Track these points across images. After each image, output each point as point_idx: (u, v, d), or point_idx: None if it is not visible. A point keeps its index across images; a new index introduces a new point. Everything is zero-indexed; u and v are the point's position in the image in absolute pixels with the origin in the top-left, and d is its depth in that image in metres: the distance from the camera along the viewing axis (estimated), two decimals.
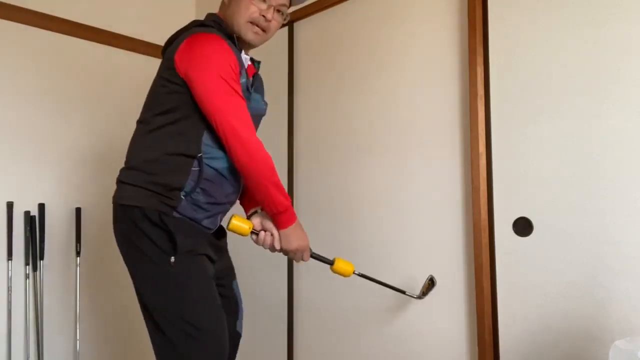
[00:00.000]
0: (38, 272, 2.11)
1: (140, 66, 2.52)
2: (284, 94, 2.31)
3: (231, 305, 1.52)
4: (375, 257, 1.93)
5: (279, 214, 1.37)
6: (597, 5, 1.43)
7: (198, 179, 1.32)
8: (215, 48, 1.31)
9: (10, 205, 2.06)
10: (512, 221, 1.56)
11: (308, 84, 2.25)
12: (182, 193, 1.32)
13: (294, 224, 1.40)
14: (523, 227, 1.54)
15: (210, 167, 1.34)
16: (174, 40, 1.39)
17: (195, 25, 1.40)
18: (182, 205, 1.33)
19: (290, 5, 1.48)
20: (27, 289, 2.08)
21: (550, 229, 1.49)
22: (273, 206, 1.36)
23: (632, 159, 1.35)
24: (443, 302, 1.73)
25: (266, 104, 1.55)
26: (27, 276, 2.08)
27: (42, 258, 2.12)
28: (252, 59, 1.50)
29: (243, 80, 1.36)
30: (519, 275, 1.54)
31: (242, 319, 1.57)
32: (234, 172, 1.38)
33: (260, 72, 1.55)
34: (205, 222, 1.40)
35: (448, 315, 1.71)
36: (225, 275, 1.53)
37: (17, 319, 2.05)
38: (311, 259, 1.49)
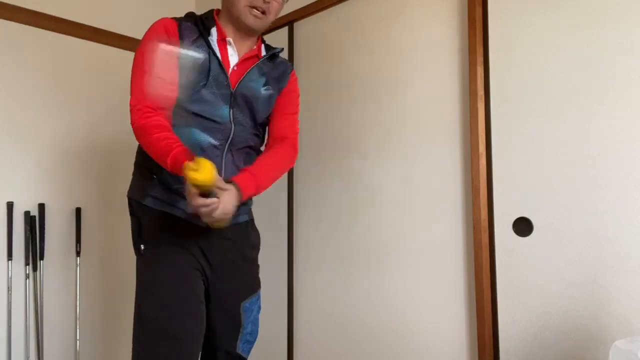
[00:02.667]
0: (38, 272, 2.11)
1: None
2: None
3: (232, 324, 1.48)
4: (375, 258, 1.93)
5: (171, 165, 1.22)
6: (597, 5, 1.43)
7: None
8: (147, 31, 1.37)
9: (10, 205, 2.06)
10: (512, 221, 1.56)
11: (308, 84, 2.25)
12: (153, 173, 1.37)
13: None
14: (523, 227, 1.54)
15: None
16: None
17: None
18: (153, 186, 1.36)
19: None
20: (27, 289, 2.08)
21: (550, 229, 1.49)
22: (169, 167, 1.23)
23: (632, 159, 1.35)
24: (443, 302, 1.72)
25: (267, 88, 1.47)
26: (27, 276, 2.08)
27: (42, 258, 2.12)
28: (266, 46, 1.52)
29: (192, 51, 1.34)
30: (519, 275, 1.54)
31: (246, 342, 1.51)
32: (210, 150, 1.35)
33: (282, 59, 1.55)
34: (178, 213, 1.35)
35: (448, 315, 1.71)
36: (235, 291, 1.48)
37: (17, 319, 2.05)
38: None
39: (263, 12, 1.40)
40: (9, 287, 2.03)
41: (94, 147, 2.36)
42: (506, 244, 1.57)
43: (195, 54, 1.33)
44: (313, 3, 2.19)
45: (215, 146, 1.37)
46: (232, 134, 1.40)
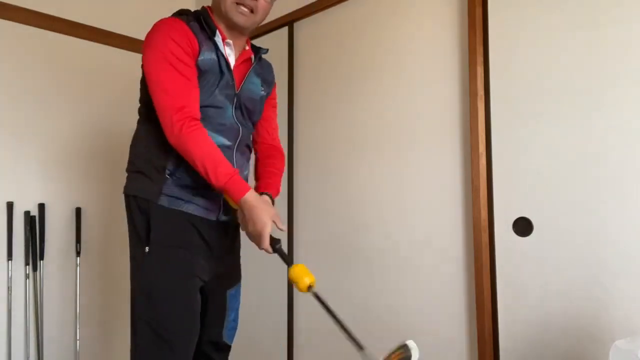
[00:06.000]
0: (38, 272, 2.11)
1: (140, 66, 2.51)
2: (284, 94, 2.31)
3: (217, 312, 1.49)
4: (375, 257, 1.93)
5: (223, 186, 1.27)
6: (597, 5, 1.43)
7: (180, 157, 1.31)
8: (160, 29, 1.33)
9: (10, 205, 2.06)
10: (512, 221, 1.56)
11: (308, 84, 2.25)
12: (167, 172, 1.34)
13: (244, 197, 1.27)
14: (523, 227, 1.54)
15: None
16: None
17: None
18: (167, 185, 1.34)
19: None
20: (27, 289, 2.08)
21: (550, 229, 1.49)
22: (215, 180, 1.27)
23: (632, 159, 1.35)
24: (443, 302, 1.72)
25: (263, 89, 1.53)
26: (27, 276, 2.08)
27: (42, 258, 2.12)
28: (256, 49, 1.53)
29: (203, 57, 1.35)
30: (519, 275, 1.54)
31: (230, 329, 1.52)
32: (227, 152, 1.38)
33: (264, 58, 1.58)
34: (192, 208, 1.36)
35: (448, 315, 1.71)
36: (223, 279, 1.49)
37: (17, 319, 2.05)
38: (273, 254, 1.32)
39: (251, 10, 1.40)
40: (9, 287, 2.03)
41: (94, 147, 2.36)
42: (506, 244, 1.57)
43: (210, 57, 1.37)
44: (313, 3, 2.19)
45: (227, 147, 1.40)
46: (240, 134, 1.44)
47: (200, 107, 1.34)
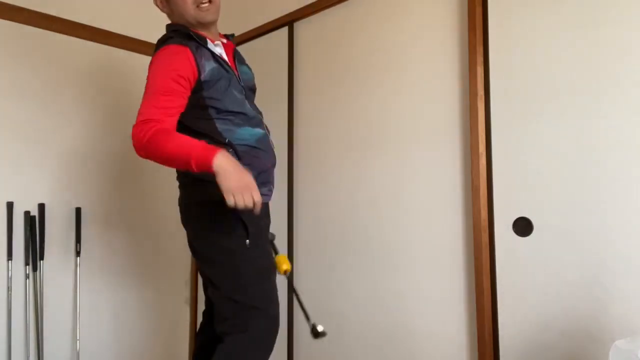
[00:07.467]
0: (38, 272, 2.11)
1: (140, 66, 2.52)
2: (284, 94, 2.31)
3: None
4: (375, 258, 1.93)
5: (197, 159, 1.26)
6: (596, 5, 1.43)
7: (239, 159, 1.37)
8: (162, 60, 1.38)
9: (10, 205, 2.06)
10: (512, 221, 1.56)
11: (308, 84, 2.25)
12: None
13: (217, 158, 1.25)
14: (523, 227, 1.54)
15: (241, 145, 1.43)
16: None
17: (159, 43, 1.47)
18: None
19: None
20: (27, 289, 2.08)
21: (550, 229, 1.49)
22: (191, 162, 1.26)
23: (632, 159, 1.35)
24: (443, 302, 1.72)
25: (252, 73, 1.65)
26: (27, 276, 2.08)
27: (42, 258, 2.12)
28: (226, 36, 1.61)
29: (210, 67, 1.41)
30: (519, 275, 1.54)
31: None
32: (264, 138, 1.50)
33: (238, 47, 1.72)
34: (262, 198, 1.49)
35: (448, 315, 1.71)
36: None
37: (17, 319, 2.05)
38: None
39: (210, 2, 1.45)
40: (9, 287, 2.03)
41: (94, 147, 2.36)
42: (506, 244, 1.57)
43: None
44: (313, 3, 2.19)
45: (264, 135, 1.52)
46: (262, 119, 1.56)
47: (232, 112, 1.43)
